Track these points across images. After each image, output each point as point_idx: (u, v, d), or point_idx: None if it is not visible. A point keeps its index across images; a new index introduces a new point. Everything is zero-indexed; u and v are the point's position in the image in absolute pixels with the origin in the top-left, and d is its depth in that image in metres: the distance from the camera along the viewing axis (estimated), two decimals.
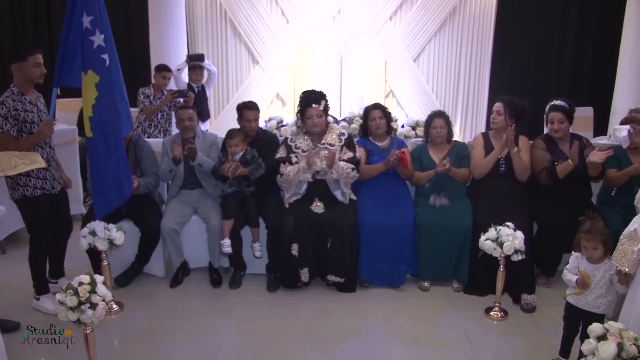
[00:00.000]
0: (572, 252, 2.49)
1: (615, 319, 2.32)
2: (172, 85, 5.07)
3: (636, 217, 2.26)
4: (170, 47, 5.77)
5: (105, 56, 3.06)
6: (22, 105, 2.90)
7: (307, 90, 3.56)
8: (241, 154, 3.45)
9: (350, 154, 3.46)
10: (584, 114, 5.33)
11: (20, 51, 2.93)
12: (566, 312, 2.53)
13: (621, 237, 2.25)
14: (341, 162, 3.40)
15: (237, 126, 3.69)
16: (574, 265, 2.46)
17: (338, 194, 3.44)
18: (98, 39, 3.01)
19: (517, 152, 3.39)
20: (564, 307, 2.53)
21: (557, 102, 3.46)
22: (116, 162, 3.15)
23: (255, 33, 6.49)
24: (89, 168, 3.19)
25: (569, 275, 2.45)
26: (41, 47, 3.08)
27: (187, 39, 6.23)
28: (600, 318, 2.36)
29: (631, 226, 2.24)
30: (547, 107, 3.52)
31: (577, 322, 2.48)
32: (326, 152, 3.35)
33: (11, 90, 2.91)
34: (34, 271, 3.08)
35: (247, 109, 3.64)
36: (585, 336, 2.35)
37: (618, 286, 2.33)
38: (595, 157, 3.19)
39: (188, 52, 6.22)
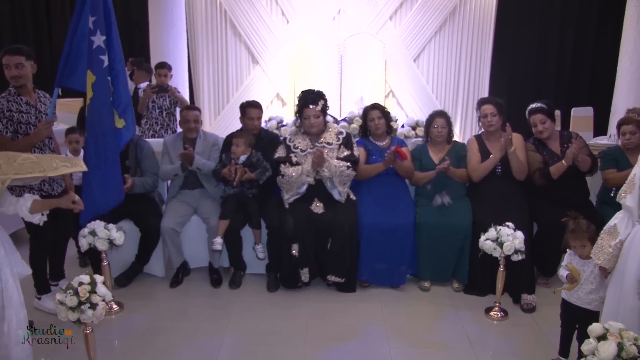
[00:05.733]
0: (567, 250, 2.53)
1: None
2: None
3: (618, 212, 2.31)
4: (170, 47, 5.76)
5: (104, 57, 3.06)
6: (17, 106, 2.88)
7: (305, 90, 3.55)
8: (246, 156, 3.45)
9: (347, 152, 3.45)
10: (584, 114, 5.34)
11: None
12: (562, 309, 2.55)
13: (601, 232, 2.31)
14: (334, 160, 3.39)
15: (237, 126, 3.69)
16: (568, 261, 2.50)
17: (335, 193, 3.43)
18: (98, 39, 3.03)
19: (513, 152, 3.39)
20: (560, 304, 2.55)
21: (534, 105, 3.50)
22: (105, 170, 3.10)
23: (255, 33, 6.48)
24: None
25: (562, 271, 2.50)
26: (16, 51, 2.88)
27: (187, 39, 6.23)
28: (595, 316, 2.39)
29: (612, 221, 2.30)
30: (527, 112, 3.54)
31: (573, 320, 2.50)
32: (315, 152, 3.31)
33: (8, 90, 2.91)
34: (34, 271, 3.07)
35: (251, 107, 3.64)
36: (582, 335, 2.37)
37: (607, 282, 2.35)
38: (570, 151, 3.23)
39: (188, 52, 6.22)
